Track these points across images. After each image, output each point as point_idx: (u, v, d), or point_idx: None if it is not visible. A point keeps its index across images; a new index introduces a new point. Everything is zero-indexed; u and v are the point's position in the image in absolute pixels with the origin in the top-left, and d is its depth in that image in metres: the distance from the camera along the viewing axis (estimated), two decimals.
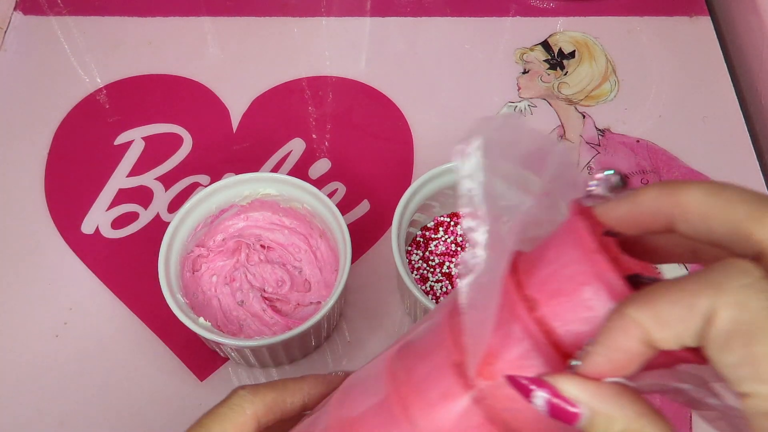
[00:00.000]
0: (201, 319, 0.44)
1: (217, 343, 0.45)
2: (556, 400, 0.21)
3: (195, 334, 0.50)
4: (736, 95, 0.63)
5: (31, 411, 0.48)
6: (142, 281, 0.52)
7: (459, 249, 0.52)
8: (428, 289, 0.51)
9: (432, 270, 0.51)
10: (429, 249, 0.52)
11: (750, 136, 0.61)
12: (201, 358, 0.50)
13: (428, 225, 0.53)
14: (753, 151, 0.60)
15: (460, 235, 0.53)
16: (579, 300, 0.22)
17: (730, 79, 0.64)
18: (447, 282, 0.51)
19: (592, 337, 0.21)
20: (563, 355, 0.22)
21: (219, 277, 0.50)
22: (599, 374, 0.21)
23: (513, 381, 0.22)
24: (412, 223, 0.51)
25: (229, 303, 0.49)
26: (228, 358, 0.50)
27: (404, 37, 0.67)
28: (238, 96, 0.62)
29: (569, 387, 0.21)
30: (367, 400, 0.27)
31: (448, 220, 0.53)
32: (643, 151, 0.60)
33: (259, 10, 0.67)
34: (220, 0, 0.68)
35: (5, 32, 0.65)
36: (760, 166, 0.60)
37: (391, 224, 0.47)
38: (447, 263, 0.52)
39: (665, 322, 0.19)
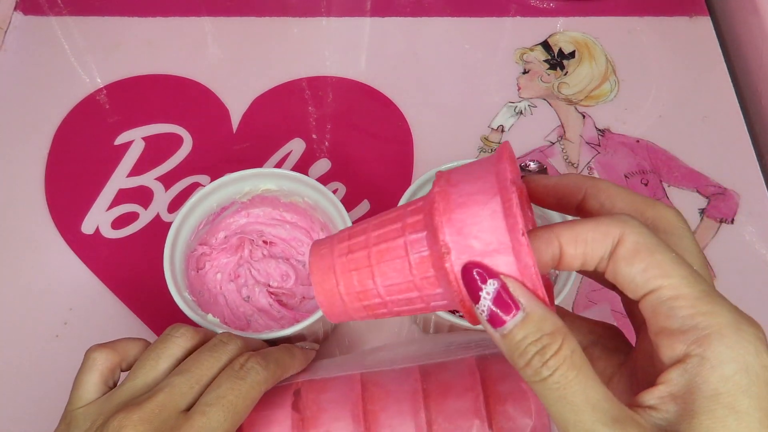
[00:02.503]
0: (209, 316, 0.44)
1: None
2: (503, 295, 0.25)
3: None
4: (736, 95, 0.63)
5: (31, 411, 0.48)
6: (142, 281, 0.52)
7: None
8: None
9: None
10: None
11: (750, 136, 0.61)
12: None
13: None
14: (753, 151, 0.60)
15: None
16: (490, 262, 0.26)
17: (730, 79, 0.64)
18: None
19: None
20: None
21: (223, 274, 0.50)
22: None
23: (475, 266, 0.26)
24: None
25: (235, 299, 0.49)
26: None
27: (404, 37, 0.67)
28: (238, 96, 0.62)
29: (515, 287, 0.25)
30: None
31: None
32: (643, 151, 0.60)
33: (259, 10, 0.67)
34: (220, 0, 0.68)
35: (5, 32, 0.65)
36: (760, 167, 0.60)
37: None
38: None
39: (580, 242, 0.26)
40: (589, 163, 0.59)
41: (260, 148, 0.59)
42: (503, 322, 0.25)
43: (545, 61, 0.65)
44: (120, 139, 0.60)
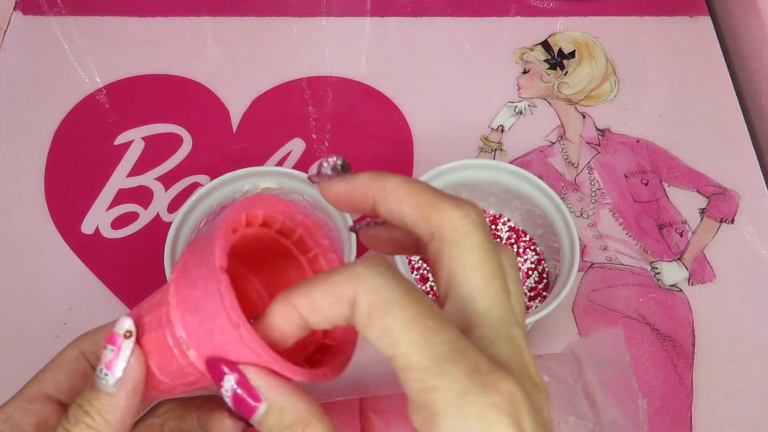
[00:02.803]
0: None
1: None
2: (240, 390, 0.24)
3: None
4: (736, 95, 0.63)
5: None
6: (142, 281, 0.52)
7: None
8: (428, 289, 0.51)
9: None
10: None
11: (750, 136, 0.61)
12: None
13: None
14: (753, 151, 0.60)
15: None
16: (226, 354, 0.25)
17: (730, 79, 0.64)
18: None
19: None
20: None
21: None
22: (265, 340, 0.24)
23: (212, 363, 0.25)
24: None
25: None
26: None
27: (404, 37, 0.67)
28: (238, 96, 0.62)
29: (256, 377, 0.24)
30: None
31: None
32: (643, 151, 0.60)
33: (259, 10, 0.67)
34: (220, 0, 0.68)
35: (5, 32, 0.65)
36: (760, 166, 0.60)
37: None
38: None
39: (318, 309, 0.23)
40: (589, 163, 0.59)
41: (260, 148, 0.59)
42: (252, 412, 0.25)
43: (545, 60, 0.65)
44: (120, 139, 0.59)
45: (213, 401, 0.32)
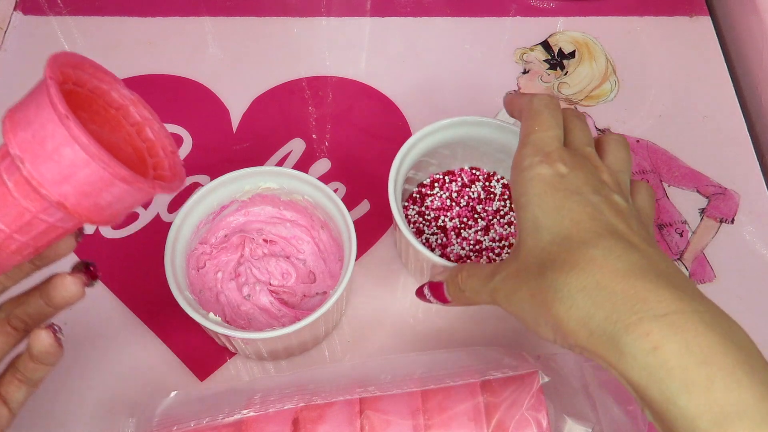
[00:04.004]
0: (211, 314, 0.44)
1: (228, 338, 0.45)
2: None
3: (195, 334, 0.50)
4: (736, 95, 0.63)
5: (30, 411, 0.48)
6: (142, 281, 0.52)
7: (453, 204, 0.54)
8: (424, 241, 0.53)
9: (428, 224, 0.54)
10: (425, 204, 0.54)
11: (750, 136, 0.61)
12: (201, 358, 0.50)
13: (424, 182, 0.55)
14: (753, 151, 0.60)
15: (455, 191, 0.54)
16: (59, 159, 0.28)
17: (730, 79, 0.64)
18: (442, 234, 0.53)
19: None
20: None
21: (224, 273, 0.50)
22: None
23: (418, 292, 0.42)
24: (408, 181, 0.53)
25: (236, 298, 0.49)
26: (228, 358, 0.50)
27: (404, 37, 0.67)
28: (238, 96, 0.62)
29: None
30: None
31: (443, 177, 0.55)
32: (643, 151, 0.60)
33: (259, 10, 0.67)
34: (220, 0, 0.68)
35: (5, 32, 0.65)
36: (760, 166, 0.60)
37: (391, 223, 0.47)
38: (442, 217, 0.54)
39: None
40: None
41: (260, 148, 0.59)
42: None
43: (545, 61, 0.65)
44: None
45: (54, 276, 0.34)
